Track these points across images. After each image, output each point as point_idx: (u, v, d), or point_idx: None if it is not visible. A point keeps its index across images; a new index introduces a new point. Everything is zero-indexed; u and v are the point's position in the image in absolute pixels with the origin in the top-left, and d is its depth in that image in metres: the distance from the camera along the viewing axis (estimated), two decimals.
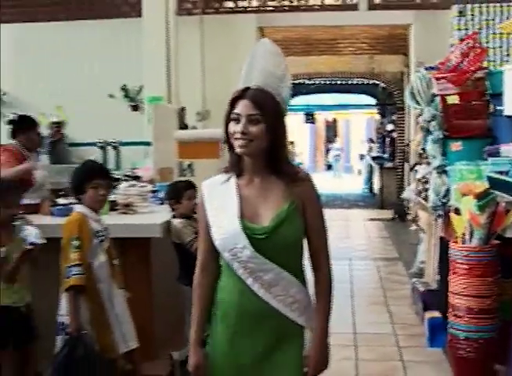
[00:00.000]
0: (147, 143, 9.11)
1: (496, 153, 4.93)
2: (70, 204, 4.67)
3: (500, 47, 10.13)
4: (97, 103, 11.53)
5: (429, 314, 5.32)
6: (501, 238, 4.32)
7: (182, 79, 10.71)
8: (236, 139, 2.41)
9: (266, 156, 2.45)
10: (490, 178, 4.46)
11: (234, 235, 2.40)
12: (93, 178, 3.65)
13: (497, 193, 4.35)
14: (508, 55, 9.99)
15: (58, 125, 9.10)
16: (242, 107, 2.41)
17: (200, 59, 11.31)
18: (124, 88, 11.94)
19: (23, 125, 5.23)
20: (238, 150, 2.42)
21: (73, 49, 11.85)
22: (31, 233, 3.62)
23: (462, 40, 5.68)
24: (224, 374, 2.49)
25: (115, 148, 8.26)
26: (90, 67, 11.74)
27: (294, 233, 2.43)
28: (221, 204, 2.48)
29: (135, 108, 12.03)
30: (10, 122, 5.30)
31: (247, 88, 2.45)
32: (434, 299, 5.45)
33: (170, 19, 10.94)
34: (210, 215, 2.49)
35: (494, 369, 4.32)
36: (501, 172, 4.62)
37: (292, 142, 21.58)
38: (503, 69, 5.21)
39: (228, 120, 2.45)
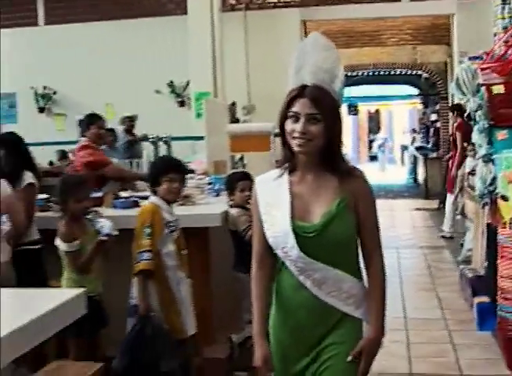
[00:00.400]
0: (198, 138, 9.36)
1: None
2: (131, 197, 4.95)
3: None
4: (144, 99, 11.83)
5: (478, 299, 5.45)
6: None
7: (227, 74, 10.89)
8: (294, 137, 2.39)
9: (321, 153, 2.43)
10: None
11: (284, 234, 2.41)
12: (168, 172, 3.88)
13: None
14: None
15: (131, 119, 9.37)
16: (301, 106, 2.39)
17: (244, 54, 11.50)
18: (170, 85, 12.26)
19: (92, 122, 5.57)
20: (296, 149, 2.40)
21: (121, 48, 12.16)
22: (105, 224, 3.85)
23: (505, 29, 5.76)
24: (279, 363, 2.50)
25: (166, 143, 8.49)
26: (137, 65, 12.02)
27: (345, 230, 2.42)
28: (274, 200, 2.48)
29: (182, 104, 12.32)
30: (80, 120, 5.67)
31: (305, 86, 2.42)
32: (483, 285, 5.57)
33: (214, 15, 11.16)
34: (263, 212, 2.50)
35: None
36: None
37: None
38: None
39: (284, 117, 2.43)
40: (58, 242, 3.80)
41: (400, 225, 11.46)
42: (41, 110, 13.01)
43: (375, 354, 2.45)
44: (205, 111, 6.38)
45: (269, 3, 12.33)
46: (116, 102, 11.77)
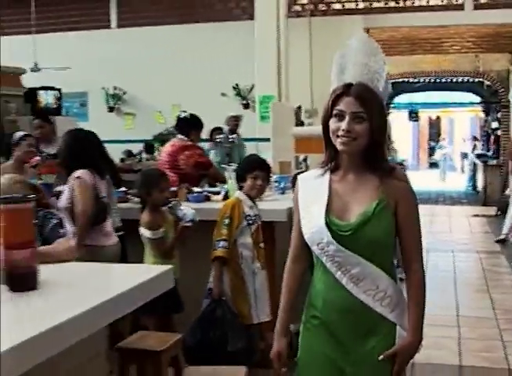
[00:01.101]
0: (262, 139, 9.70)
1: None
2: (203, 192, 5.34)
3: None
4: (210, 101, 12.17)
5: None
6: None
7: (291, 78, 11.17)
8: (338, 136, 2.37)
9: (364, 153, 2.40)
10: None
11: (320, 230, 2.39)
12: (254, 170, 4.27)
13: None
14: None
15: (236, 119, 9.73)
16: (346, 104, 2.36)
17: (308, 59, 11.75)
18: (235, 87, 12.64)
19: (197, 123, 5.99)
20: (340, 148, 2.38)
21: (189, 51, 12.53)
22: (188, 212, 4.23)
23: None
24: (309, 363, 2.51)
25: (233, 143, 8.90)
26: (204, 67, 12.36)
27: (381, 231, 2.38)
28: (313, 198, 2.47)
29: (246, 106, 12.67)
30: (181, 120, 6.06)
31: (350, 85, 2.39)
32: None
33: (280, 21, 11.51)
34: (302, 209, 2.49)
35: None
36: None
37: (391, 140, 21.70)
38: None
39: (329, 116, 2.41)
40: (142, 230, 4.20)
41: (457, 230, 11.60)
42: (111, 109, 13.52)
43: (409, 359, 2.42)
44: (272, 114, 6.71)
45: (334, 10, 12.57)
46: (183, 103, 12.11)
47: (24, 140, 5.57)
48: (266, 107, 11.66)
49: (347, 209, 2.41)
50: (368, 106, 2.35)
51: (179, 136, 6.06)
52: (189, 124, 6.05)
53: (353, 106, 2.34)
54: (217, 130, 9.28)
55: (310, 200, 2.47)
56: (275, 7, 11.36)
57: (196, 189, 5.37)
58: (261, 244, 4.29)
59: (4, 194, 3.26)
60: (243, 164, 4.55)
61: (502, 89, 15.51)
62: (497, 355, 5.04)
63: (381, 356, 2.36)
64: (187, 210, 4.26)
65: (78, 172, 4.10)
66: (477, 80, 17.05)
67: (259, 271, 4.25)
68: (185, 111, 6.34)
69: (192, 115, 6.14)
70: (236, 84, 12.53)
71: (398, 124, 24.41)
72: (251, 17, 12.01)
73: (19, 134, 5.74)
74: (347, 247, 2.35)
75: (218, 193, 5.28)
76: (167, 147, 6.11)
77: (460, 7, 11.97)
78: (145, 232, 4.17)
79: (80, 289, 2.47)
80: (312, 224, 2.42)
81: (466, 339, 5.36)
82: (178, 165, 5.80)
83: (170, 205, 4.24)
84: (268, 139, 8.40)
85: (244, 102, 12.64)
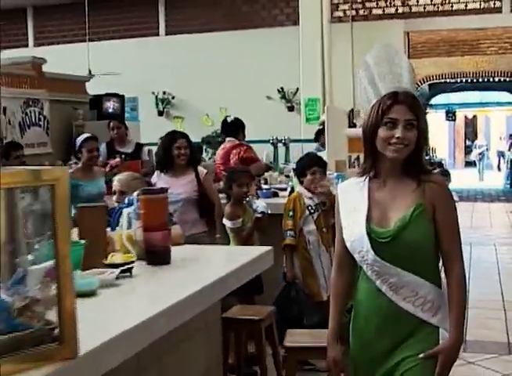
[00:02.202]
0: (310, 140, 10.18)
1: None
2: (271, 188, 5.91)
3: None
4: (256, 104, 12.69)
5: None
6: None
7: (334, 81, 11.65)
8: (390, 143, 2.38)
9: (406, 158, 2.43)
10: None
11: (360, 238, 2.43)
12: (312, 166, 4.82)
13: None
14: None
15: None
16: (398, 113, 2.39)
17: (350, 63, 12.19)
18: (280, 91, 13.12)
19: (242, 125, 6.61)
20: (391, 155, 2.40)
21: (235, 56, 13.00)
22: (260, 205, 4.81)
23: None
24: (355, 368, 2.57)
25: (285, 144, 9.43)
26: (250, 72, 12.78)
27: (421, 237, 2.41)
28: (353, 207, 2.50)
29: (291, 109, 13.16)
30: (228, 123, 6.65)
31: (396, 93, 2.43)
32: None
33: (324, 27, 12.02)
34: (343, 218, 2.53)
35: None
36: None
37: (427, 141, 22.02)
38: None
39: (377, 124, 2.42)
40: (224, 221, 4.78)
41: (497, 225, 12.03)
42: (160, 113, 14.10)
43: (452, 360, 2.43)
44: (326, 116, 7.20)
45: (375, 15, 13.01)
46: (229, 106, 12.63)
47: (86, 142, 5.96)
48: (311, 109, 12.22)
49: (387, 216, 2.45)
50: (417, 112, 2.42)
51: (228, 139, 6.66)
52: (236, 126, 6.69)
53: (405, 114, 2.39)
54: (322, 131, 9.71)
55: (350, 209, 2.51)
56: (319, 13, 11.91)
57: (264, 186, 5.94)
58: (324, 229, 4.80)
59: (124, 189, 3.86)
60: (303, 161, 5.08)
61: None
62: None
63: (422, 355, 2.40)
64: (260, 203, 4.83)
65: (202, 168, 4.91)
66: None
67: (324, 253, 4.78)
68: (229, 116, 6.99)
69: (236, 118, 6.78)
70: (281, 88, 12.89)
71: (435, 124, 24.77)
72: (295, 23, 12.53)
73: (82, 137, 6.12)
74: (386, 256, 2.40)
75: (284, 189, 5.83)
76: (220, 151, 6.74)
77: (498, 10, 12.31)
78: (226, 222, 4.76)
79: (200, 265, 3.03)
80: (354, 233, 2.46)
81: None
82: (229, 165, 6.42)
83: (247, 199, 4.81)
84: (312, 140, 8.93)
85: (289, 105, 13.06)
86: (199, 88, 13.20)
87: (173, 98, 13.91)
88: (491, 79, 17.82)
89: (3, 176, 1.51)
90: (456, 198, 6.66)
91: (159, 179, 5.06)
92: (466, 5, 12.55)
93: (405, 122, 2.38)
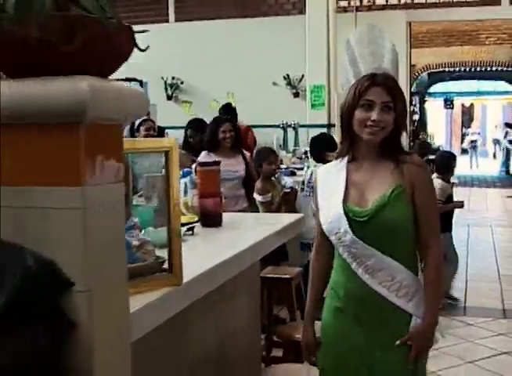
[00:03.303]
0: (316, 126, 10.67)
1: None
2: (288, 168, 6.44)
3: None
4: (263, 89, 13.05)
5: None
6: None
7: (339, 69, 12.07)
8: (366, 126, 2.37)
9: (383, 140, 2.44)
10: None
11: (337, 219, 2.41)
12: (328, 149, 5.31)
13: None
14: None
15: None
16: (375, 94, 2.37)
17: None
18: (286, 77, 13.54)
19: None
20: (367, 137, 2.39)
21: (242, 44, 13.37)
22: (288, 180, 5.34)
23: None
24: (327, 349, 2.58)
25: (294, 129, 9.92)
26: (256, 59, 13.11)
27: (398, 217, 2.39)
28: (330, 188, 2.50)
29: (296, 95, 13.59)
30: (233, 108, 7.18)
31: (374, 74, 2.41)
32: None
33: (330, 16, 12.45)
34: (320, 201, 2.55)
35: None
36: None
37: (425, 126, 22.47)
38: None
39: (354, 106, 2.41)
40: (255, 195, 5.30)
41: (493, 209, 12.64)
42: (169, 97, 14.52)
43: (426, 342, 2.43)
44: (338, 102, 7.70)
45: (378, 5, 13.44)
46: (236, 91, 13.05)
47: (145, 122, 6.52)
48: (317, 96, 12.67)
49: (365, 197, 2.44)
50: (395, 95, 2.40)
51: (238, 122, 7.32)
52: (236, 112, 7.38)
53: (382, 96, 2.38)
54: None
55: (328, 192, 2.52)
56: (325, 3, 12.34)
57: (282, 165, 6.49)
58: None
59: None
60: (320, 143, 5.57)
61: None
62: None
63: (398, 342, 2.40)
64: (288, 179, 5.36)
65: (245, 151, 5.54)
66: (510, 69, 17.87)
67: None
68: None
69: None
70: (287, 75, 13.15)
71: (434, 111, 25.25)
72: (301, 12, 12.96)
73: (138, 119, 6.65)
74: (364, 236, 2.39)
75: (301, 168, 6.38)
76: None
77: (497, 2, 12.74)
78: (257, 196, 5.28)
79: (246, 228, 3.55)
80: (331, 213, 2.46)
81: (507, 291, 6.52)
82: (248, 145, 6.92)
83: (276, 175, 5.33)
84: (318, 126, 9.44)
85: (294, 91, 13.46)
86: (207, 74, 13.54)
87: (182, 83, 14.24)
88: (488, 68, 18.30)
89: (138, 143, 2.03)
90: (455, 181, 7.25)
91: (210, 158, 5.56)
92: None
93: (382, 104, 2.38)
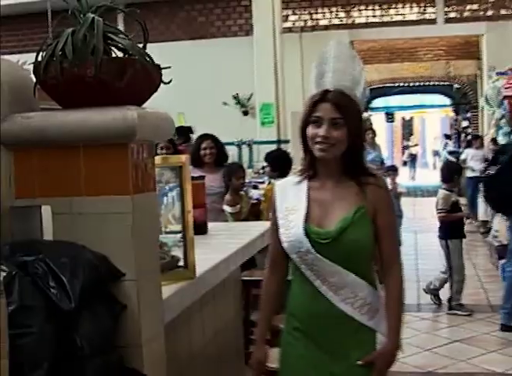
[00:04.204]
0: (266, 142, 11.06)
1: None
2: (250, 182, 6.86)
3: None
4: (213, 109, 13.33)
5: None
6: None
7: (286, 87, 12.54)
8: (316, 142, 2.32)
9: (342, 159, 2.38)
10: None
11: (299, 239, 2.36)
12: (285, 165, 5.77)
13: None
14: None
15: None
16: (324, 111, 2.33)
17: (300, 70, 13.08)
18: (235, 96, 13.91)
19: None
20: (318, 154, 2.33)
21: (193, 65, 13.68)
22: (254, 193, 5.76)
23: None
24: (286, 368, 2.52)
25: (249, 146, 10.33)
26: (206, 79, 13.34)
27: (361, 238, 2.36)
28: (291, 206, 2.44)
29: (246, 113, 13.99)
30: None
31: (327, 91, 2.36)
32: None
33: (276, 37, 12.91)
34: (280, 217, 2.46)
35: None
36: None
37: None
38: None
39: (306, 122, 2.37)
40: (225, 207, 5.68)
41: (431, 216, 13.30)
42: None
43: (389, 365, 2.42)
44: (291, 121, 8.14)
45: (321, 26, 13.99)
46: (187, 111, 13.35)
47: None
48: (266, 114, 13.09)
49: (327, 217, 2.39)
50: (345, 111, 2.33)
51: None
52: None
53: (330, 112, 2.32)
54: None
55: (289, 209, 2.44)
56: (271, 24, 12.76)
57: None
58: None
59: None
60: (283, 159, 6.06)
61: (471, 92, 17.08)
62: (480, 297, 7.01)
63: (359, 362, 2.37)
64: (255, 192, 5.78)
65: None
66: (448, 83, 18.72)
67: None
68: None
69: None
70: (236, 94, 13.57)
71: (376, 125, 26.00)
72: (247, 33, 13.41)
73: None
74: (327, 255, 2.35)
75: (262, 182, 6.82)
76: None
77: (433, 21, 13.36)
78: (227, 208, 5.67)
79: (230, 235, 3.95)
80: (291, 233, 2.39)
81: None
82: None
83: (244, 189, 5.75)
84: (269, 142, 9.87)
85: (243, 109, 13.90)
86: (157, 96, 13.70)
87: None
88: (427, 83, 19.08)
89: (159, 160, 2.44)
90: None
91: (193, 173, 5.86)
92: (404, 17, 13.62)
93: (331, 121, 2.32)
